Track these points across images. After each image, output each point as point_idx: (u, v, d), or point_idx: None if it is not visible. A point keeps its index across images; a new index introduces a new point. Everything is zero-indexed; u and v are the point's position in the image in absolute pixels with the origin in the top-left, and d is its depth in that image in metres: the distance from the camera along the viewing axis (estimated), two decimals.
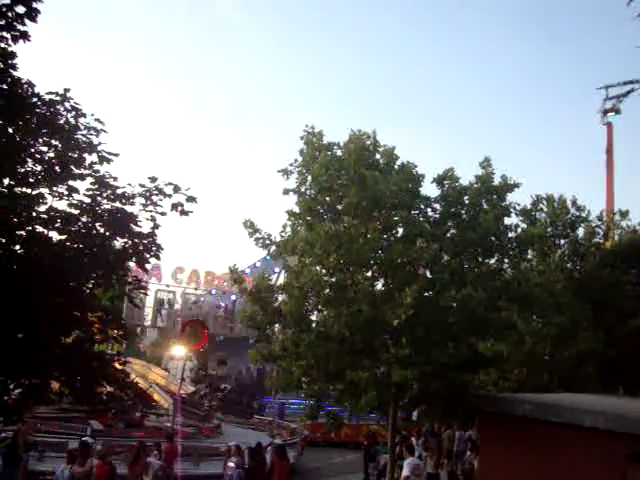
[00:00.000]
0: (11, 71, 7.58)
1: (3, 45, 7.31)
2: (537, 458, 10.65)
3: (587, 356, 18.79)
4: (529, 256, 17.26)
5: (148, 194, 8.49)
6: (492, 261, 14.19)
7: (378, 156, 14.36)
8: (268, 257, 16.80)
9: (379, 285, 13.82)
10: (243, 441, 18.42)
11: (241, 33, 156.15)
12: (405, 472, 12.90)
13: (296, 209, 14.37)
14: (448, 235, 13.91)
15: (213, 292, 45.40)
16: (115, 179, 8.56)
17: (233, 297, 42.49)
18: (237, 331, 43.52)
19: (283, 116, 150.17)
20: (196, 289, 44.87)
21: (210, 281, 45.33)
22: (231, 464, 14.92)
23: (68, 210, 8.21)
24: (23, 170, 8.01)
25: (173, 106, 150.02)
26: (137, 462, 14.11)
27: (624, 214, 23.31)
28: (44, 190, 8.11)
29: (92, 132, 8.45)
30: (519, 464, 11.09)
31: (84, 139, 8.40)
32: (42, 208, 8.01)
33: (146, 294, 10.72)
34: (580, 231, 22.03)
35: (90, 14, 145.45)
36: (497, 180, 14.15)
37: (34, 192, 8.02)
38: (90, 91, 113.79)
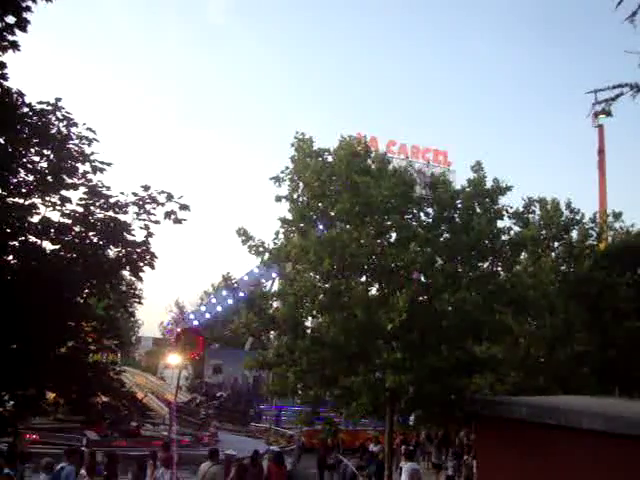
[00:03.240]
0: (1, 81, 7.55)
1: None
2: (535, 461, 10.63)
3: (583, 358, 18.81)
4: (522, 258, 17.29)
5: (141, 203, 8.47)
6: (486, 264, 14.23)
7: (370, 161, 14.41)
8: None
9: (373, 290, 13.83)
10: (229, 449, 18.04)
11: (233, 40, 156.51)
12: (403, 478, 12.93)
13: (289, 216, 14.40)
14: (441, 239, 13.94)
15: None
16: (108, 188, 8.54)
17: None
18: None
19: (277, 122, 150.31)
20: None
21: (415, 153, 53.38)
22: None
23: (61, 220, 8.18)
24: (15, 180, 7.97)
25: (165, 114, 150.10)
26: None
27: (617, 215, 23.38)
28: (37, 200, 8.06)
29: (84, 141, 8.42)
30: (517, 467, 11.07)
31: (76, 148, 8.37)
32: (35, 218, 7.98)
33: (140, 303, 10.58)
34: (574, 233, 22.11)
35: (79, 25, 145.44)
36: (489, 183, 14.20)
37: (27, 202, 7.99)
38: (81, 100, 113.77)
